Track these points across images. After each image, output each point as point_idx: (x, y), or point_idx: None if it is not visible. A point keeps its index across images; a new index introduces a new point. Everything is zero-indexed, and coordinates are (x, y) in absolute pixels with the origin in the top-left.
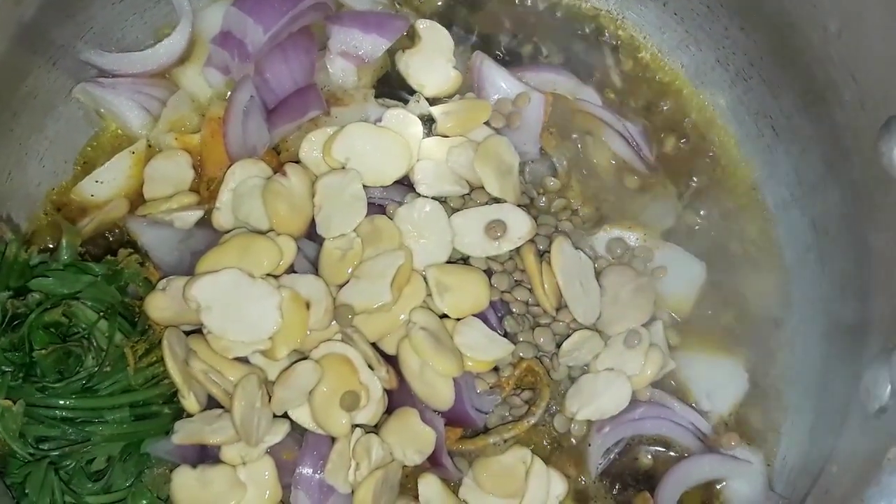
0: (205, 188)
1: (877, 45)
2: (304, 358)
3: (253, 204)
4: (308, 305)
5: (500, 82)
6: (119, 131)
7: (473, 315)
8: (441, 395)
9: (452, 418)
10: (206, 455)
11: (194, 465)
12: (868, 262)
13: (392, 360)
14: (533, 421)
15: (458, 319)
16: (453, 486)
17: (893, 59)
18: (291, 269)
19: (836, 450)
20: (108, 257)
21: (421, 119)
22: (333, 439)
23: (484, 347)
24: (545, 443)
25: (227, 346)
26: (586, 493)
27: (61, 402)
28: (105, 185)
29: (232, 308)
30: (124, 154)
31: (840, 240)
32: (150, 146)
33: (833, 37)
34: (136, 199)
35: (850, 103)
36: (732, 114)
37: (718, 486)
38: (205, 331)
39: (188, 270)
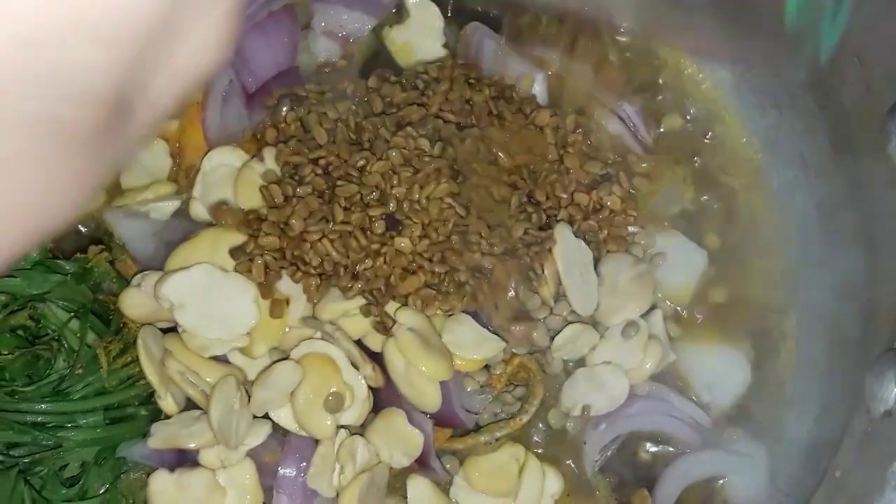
0: (183, 177)
1: (882, 26)
2: (285, 358)
3: (226, 192)
4: (287, 302)
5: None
6: None
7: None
8: (428, 397)
9: (441, 419)
10: (184, 458)
11: (172, 469)
12: (873, 250)
13: (378, 358)
14: (526, 419)
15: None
16: (444, 484)
17: None
18: None
19: (841, 453)
20: (79, 255)
21: None
22: (317, 441)
23: (474, 346)
24: (540, 439)
25: (204, 345)
26: (583, 490)
27: (32, 406)
28: None
29: (206, 305)
30: None
31: (847, 226)
32: None
33: None
34: (114, 189)
35: (855, 85)
36: (735, 91)
37: (720, 482)
38: (180, 329)
39: (164, 263)
